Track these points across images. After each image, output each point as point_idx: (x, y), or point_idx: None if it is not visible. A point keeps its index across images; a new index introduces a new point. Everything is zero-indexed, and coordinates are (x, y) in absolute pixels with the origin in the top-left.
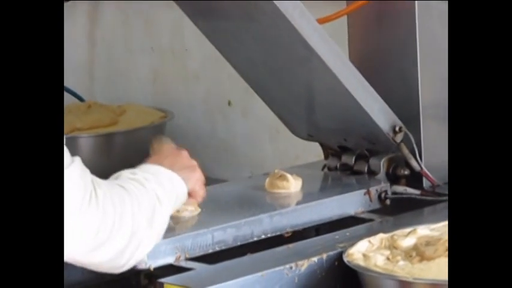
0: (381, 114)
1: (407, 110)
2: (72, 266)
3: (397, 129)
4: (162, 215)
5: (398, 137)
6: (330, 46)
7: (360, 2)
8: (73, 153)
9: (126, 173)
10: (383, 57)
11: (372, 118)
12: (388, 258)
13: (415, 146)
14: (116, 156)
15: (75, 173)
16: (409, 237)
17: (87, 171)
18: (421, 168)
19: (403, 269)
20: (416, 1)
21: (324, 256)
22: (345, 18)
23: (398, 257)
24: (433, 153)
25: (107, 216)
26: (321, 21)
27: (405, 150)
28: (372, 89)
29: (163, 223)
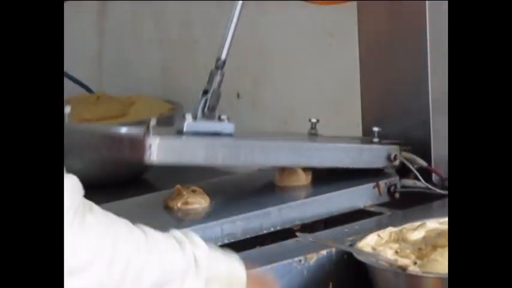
0: (371, 157)
1: (417, 102)
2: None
3: (392, 158)
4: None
5: (396, 163)
6: None
7: None
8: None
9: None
10: (393, 49)
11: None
12: (397, 252)
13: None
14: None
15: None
16: (418, 230)
17: (81, 193)
18: (428, 164)
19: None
20: None
21: (333, 249)
22: (355, 10)
23: (407, 251)
24: (443, 146)
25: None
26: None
27: (409, 155)
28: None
29: None
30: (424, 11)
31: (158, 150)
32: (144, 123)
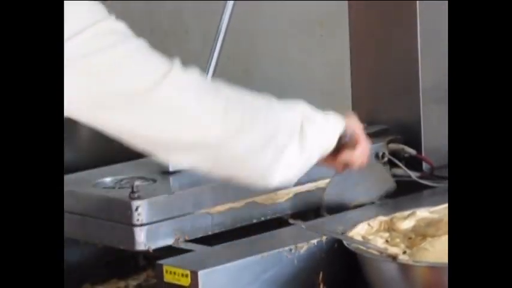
0: None
1: (407, 91)
2: (71, 247)
3: (380, 155)
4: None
5: (384, 160)
6: None
7: None
8: (71, 135)
9: None
10: (383, 39)
11: None
12: (387, 241)
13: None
14: (113, 137)
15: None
16: (408, 219)
17: None
18: (418, 152)
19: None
20: None
21: (324, 239)
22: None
23: (397, 240)
24: (434, 135)
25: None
26: None
27: (398, 146)
28: None
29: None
30: (414, 3)
31: (147, 211)
32: None
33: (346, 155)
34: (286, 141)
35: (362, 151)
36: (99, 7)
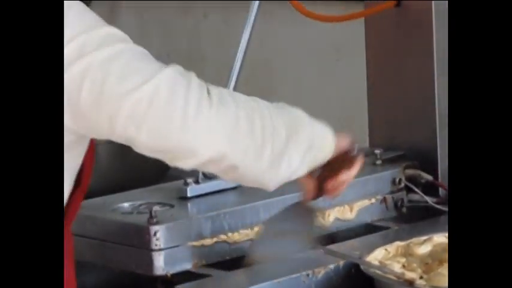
0: (376, 186)
1: (424, 117)
2: (89, 272)
3: (396, 181)
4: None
5: (401, 186)
6: None
7: (382, 5)
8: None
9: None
10: (400, 64)
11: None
12: (404, 266)
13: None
14: (131, 163)
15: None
16: (424, 244)
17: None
18: (434, 178)
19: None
20: (433, 3)
21: (341, 263)
22: (362, 26)
23: (414, 265)
24: None
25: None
26: (337, 19)
27: (414, 171)
28: None
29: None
30: (431, 26)
31: (165, 236)
32: None
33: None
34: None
35: (349, 174)
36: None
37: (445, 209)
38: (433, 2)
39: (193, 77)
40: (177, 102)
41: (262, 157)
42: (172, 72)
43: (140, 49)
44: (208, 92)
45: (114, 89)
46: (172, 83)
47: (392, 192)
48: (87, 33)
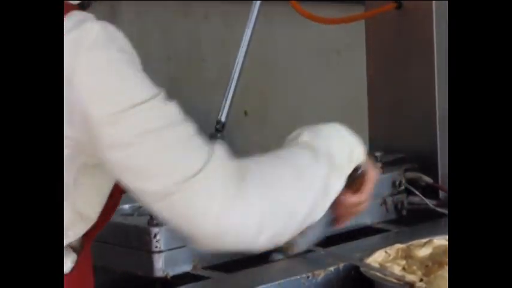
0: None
1: (424, 121)
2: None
3: (397, 184)
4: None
5: (401, 188)
6: None
7: (383, 7)
8: None
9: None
10: (400, 67)
11: None
12: (404, 268)
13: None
14: None
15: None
16: (425, 247)
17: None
18: (435, 180)
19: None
20: (434, 5)
21: (341, 266)
22: (362, 28)
23: (414, 267)
24: None
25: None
26: (337, 21)
27: (415, 174)
28: None
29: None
30: (432, 29)
31: (165, 238)
32: None
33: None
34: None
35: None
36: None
37: (445, 211)
38: (433, 4)
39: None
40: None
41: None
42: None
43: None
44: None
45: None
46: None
47: (392, 195)
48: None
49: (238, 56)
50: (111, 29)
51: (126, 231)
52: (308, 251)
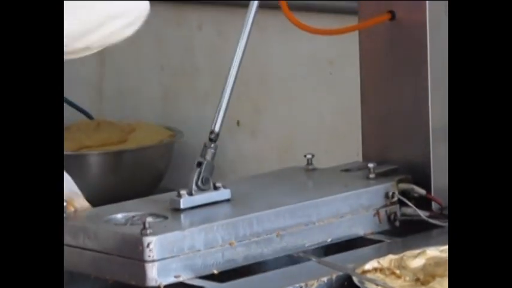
0: (369, 199)
1: (417, 131)
2: (83, 283)
3: (390, 195)
4: None
5: (394, 199)
6: None
7: (377, 19)
8: (81, 171)
9: None
10: (394, 78)
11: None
12: (397, 279)
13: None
14: (124, 174)
15: None
16: (418, 258)
17: None
18: (428, 192)
19: None
20: (427, 16)
21: (334, 276)
22: (356, 38)
23: (407, 278)
24: (443, 175)
25: None
26: (331, 32)
27: (407, 186)
28: None
29: None
30: (425, 41)
31: (158, 248)
32: (144, 149)
33: None
34: None
35: None
36: None
37: (438, 223)
38: (427, 15)
39: None
40: None
41: None
42: None
43: None
44: None
45: None
46: None
47: (385, 206)
48: None
49: (232, 66)
50: None
51: (118, 240)
52: (301, 260)
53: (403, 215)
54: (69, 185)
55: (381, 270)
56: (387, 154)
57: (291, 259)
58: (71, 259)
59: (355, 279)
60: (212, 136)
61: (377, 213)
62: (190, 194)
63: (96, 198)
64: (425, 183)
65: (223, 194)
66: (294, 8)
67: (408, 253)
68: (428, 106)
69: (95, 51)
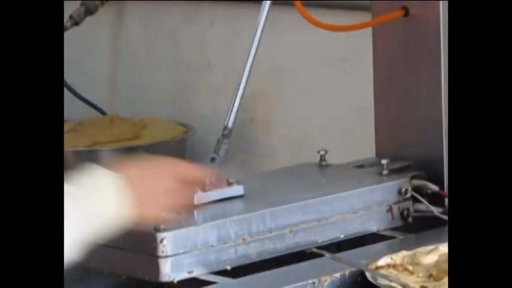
0: (383, 195)
1: (431, 128)
2: (96, 278)
3: (403, 192)
4: None
5: (407, 196)
6: None
7: (390, 15)
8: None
9: None
10: (407, 74)
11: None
12: (410, 275)
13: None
14: None
15: None
16: (431, 254)
17: None
18: (441, 188)
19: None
20: (441, 12)
21: (347, 272)
22: (369, 35)
23: (420, 274)
24: None
25: None
26: (345, 28)
27: (421, 182)
28: None
29: None
30: (439, 37)
31: (171, 243)
32: (157, 145)
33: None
34: None
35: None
36: None
37: None
38: (441, 11)
39: None
40: None
41: None
42: None
43: None
44: None
45: None
46: None
47: (398, 202)
48: None
49: (246, 62)
50: None
51: (132, 236)
52: (314, 256)
53: (416, 211)
54: None
55: (394, 266)
56: (400, 150)
57: (304, 255)
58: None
59: (368, 275)
60: (225, 132)
61: (390, 209)
62: (203, 190)
63: None
64: (439, 180)
65: (237, 190)
66: (307, 4)
67: (421, 249)
68: (441, 102)
69: None
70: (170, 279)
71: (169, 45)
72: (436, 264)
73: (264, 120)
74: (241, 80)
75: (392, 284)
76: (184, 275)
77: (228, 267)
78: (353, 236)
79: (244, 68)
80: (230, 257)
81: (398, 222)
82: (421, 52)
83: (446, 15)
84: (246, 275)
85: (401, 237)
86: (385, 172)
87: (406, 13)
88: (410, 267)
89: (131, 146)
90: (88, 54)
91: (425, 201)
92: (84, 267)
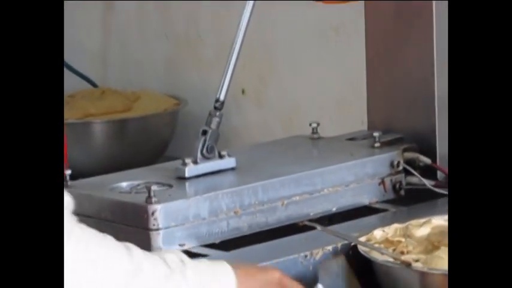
0: (375, 168)
1: (423, 99)
2: None
3: (395, 164)
4: None
5: (399, 169)
6: None
7: None
8: (86, 139)
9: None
10: (399, 47)
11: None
12: (402, 248)
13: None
14: (128, 143)
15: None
16: (423, 227)
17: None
18: (433, 161)
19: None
20: None
21: (339, 245)
22: (361, 7)
23: (412, 247)
24: None
25: None
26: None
27: (413, 154)
28: None
29: None
30: (431, 10)
31: (163, 216)
32: (148, 118)
33: None
34: None
35: None
36: None
37: (443, 192)
38: None
39: None
40: None
41: None
42: None
43: None
44: None
45: None
46: None
47: (390, 175)
48: None
49: (238, 34)
50: None
51: (123, 208)
52: (306, 229)
53: (408, 184)
54: None
55: (386, 239)
56: (392, 123)
57: (295, 228)
58: None
59: (360, 247)
60: (217, 104)
61: (382, 182)
62: (195, 162)
63: (101, 167)
64: (431, 153)
65: (228, 162)
66: None
67: (413, 222)
68: (433, 75)
69: None
70: None
71: (160, 18)
72: (428, 236)
73: (255, 92)
74: (232, 52)
75: (384, 256)
76: (176, 248)
77: (220, 240)
78: (345, 209)
79: (236, 40)
80: (222, 230)
81: (391, 195)
82: (413, 24)
83: None
84: (238, 248)
85: (393, 210)
86: (377, 145)
87: None
88: (403, 240)
89: (123, 119)
90: (79, 27)
91: (417, 174)
92: None
